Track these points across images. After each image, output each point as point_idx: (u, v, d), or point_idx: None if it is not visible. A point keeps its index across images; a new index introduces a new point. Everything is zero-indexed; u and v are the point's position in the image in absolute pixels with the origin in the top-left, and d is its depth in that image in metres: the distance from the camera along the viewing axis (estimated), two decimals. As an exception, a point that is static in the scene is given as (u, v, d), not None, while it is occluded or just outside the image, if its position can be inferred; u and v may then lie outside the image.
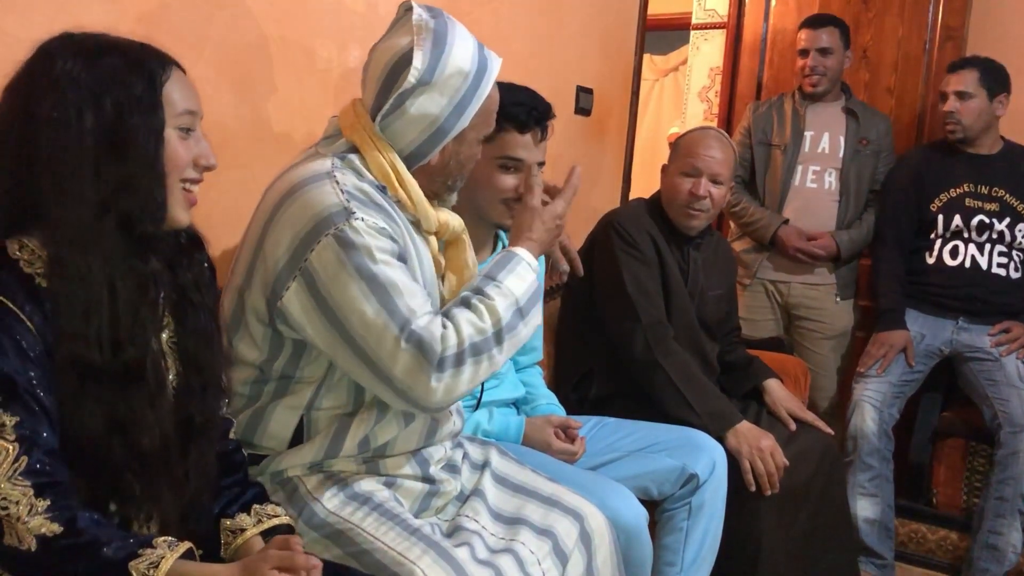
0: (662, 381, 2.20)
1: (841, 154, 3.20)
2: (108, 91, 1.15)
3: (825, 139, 3.23)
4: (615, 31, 3.13)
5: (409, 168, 1.51)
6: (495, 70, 1.53)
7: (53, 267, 1.14)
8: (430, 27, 1.48)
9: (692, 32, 5.00)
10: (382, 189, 1.49)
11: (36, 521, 1.07)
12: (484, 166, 1.83)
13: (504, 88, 1.84)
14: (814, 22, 3.28)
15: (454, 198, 1.64)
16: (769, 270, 3.28)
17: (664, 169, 2.42)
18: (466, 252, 1.63)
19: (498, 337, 1.43)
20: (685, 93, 5.19)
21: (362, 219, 1.40)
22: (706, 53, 4.97)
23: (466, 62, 1.48)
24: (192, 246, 1.31)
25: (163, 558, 1.10)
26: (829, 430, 2.40)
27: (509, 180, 1.87)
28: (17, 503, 1.06)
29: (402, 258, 1.44)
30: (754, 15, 3.91)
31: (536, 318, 1.51)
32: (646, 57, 4.33)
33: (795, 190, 3.23)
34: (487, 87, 1.51)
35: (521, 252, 1.54)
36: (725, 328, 2.57)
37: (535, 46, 2.78)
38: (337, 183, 1.43)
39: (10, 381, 1.09)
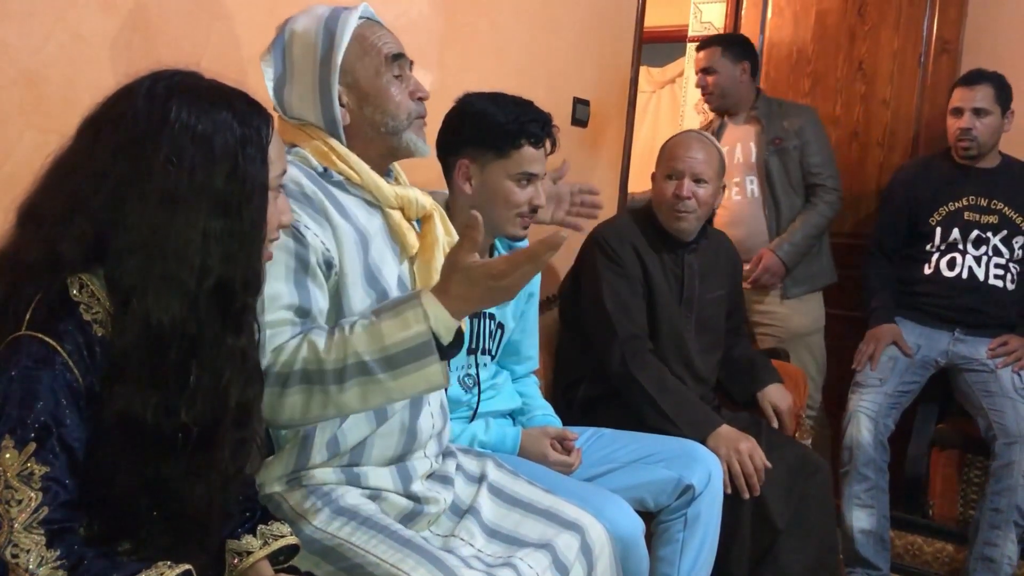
0: (639, 393, 2.22)
1: (754, 159, 3.27)
2: (222, 146, 1.11)
3: (738, 149, 3.30)
4: (612, 42, 3.14)
5: (342, 139, 1.52)
6: (352, 15, 1.51)
7: (125, 323, 1.09)
8: (278, 28, 1.55)
9: (688, 44, 5.01)
10: (327, 173, 1.50)
11: (44, 572, 1.04)
12: (500, 182, 1.87)
13: (508, 101, 1.89)
14: (702, 44, 3.41)
15: (417, 142, 1.56)
16: None
17: (652, 177, 2.45)
18: (436, 229, 1.60)
19: (339, 375, 1.33)
20: (682, 105, 5.20)
21: None
22: (703, 65, 4.98)
23: (310, 26, 1.51)
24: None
25: (162, 574, 1.08)
26: (802, 443, 2.41)
27: (525, 194, 1.90)
28: (28, 552, 1.04)
29: (301, 260, 1.41)
30: (750, 27, 3.92)
31: (419, 379, 1.33)
32: (643, 69, 4.33)
33: (721, 205, 3.24)
34: (345, 31, 1.50)
35: (426, 300, 1.34)
36: (730, 326, 2.58)
37: (532, 57, 2.79)
38: None
39: (47, 430, 1.06)
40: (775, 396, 2.46)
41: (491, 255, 2.04)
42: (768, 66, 3.88)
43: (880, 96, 3.61)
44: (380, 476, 1.53)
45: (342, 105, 1.51)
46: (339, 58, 1.49)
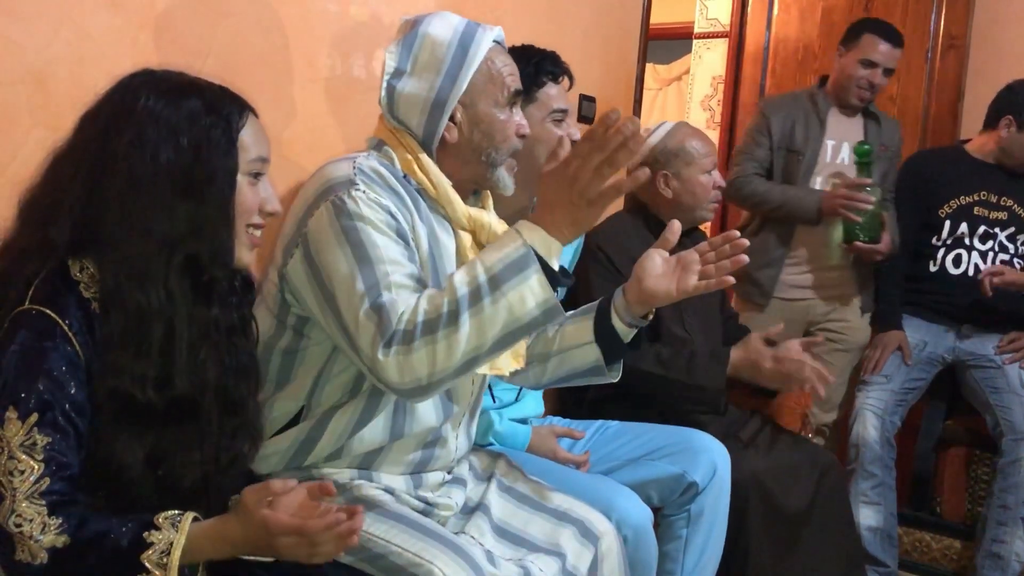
0: (647, 379, 2.18)
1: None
2: (187, 132, 1.17)
3: (844, 148, 3.07)
4: (617, 39, 3.14)
5: (432, 152, 1.52)
6: (487, 36, 1.53)
7: (110, 298, 1.15)
8: (409, 22, 1.54)
9: (694, 41, 5.01)
10: (407, 179, 1.51)
11: (48, 538, 1.08)
12: (538, 128, 1.88)
13: (518, 51, 1.89)
14: (896, 39, 3.03)
15: (506, 180, 1.58)
16: (788, 288, 3.06)
17: (668, 177, 2.39)
18: None
19: (454, 316, 1.30)
20: (688, 102, 5.20)
21: (363, 191, 1.41)
22: (708, 62, 4.98)
23: (444, 34, 1.51)
24: (243, 287, 1.32)
25: (172, 544, 1.11)
26: (810, 440, 2.38)
27: (560, 131, 1.92)
28: (31, 521, 1.08)
29: (403, 237, 1.42)
30: (756, 24, 3.92)
31: (525, 291, 1.30)
32: (649, 66, 4.33)
33: None
34: (478, 52, 1.51)
35: (518, 224, 1.37)
36: (726, 314, 2.59)
37: (538, 55, 2.79)
38: (355, 163, 1.46)
39: (50, 402, 1.10)
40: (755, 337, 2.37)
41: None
42: (774, 62, 3.87)
43: (887, 92, 3.59)
44: (392, 480, 1.54)
45: (454, 122, 1.52)
46: (467, 78, 1.50)
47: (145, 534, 1.11)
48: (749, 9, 3.94)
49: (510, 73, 1.56)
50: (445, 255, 1.52)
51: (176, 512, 1.14)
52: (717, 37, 4.86)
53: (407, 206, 1.47)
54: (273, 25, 2.01)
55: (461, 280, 1.32)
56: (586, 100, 3.02)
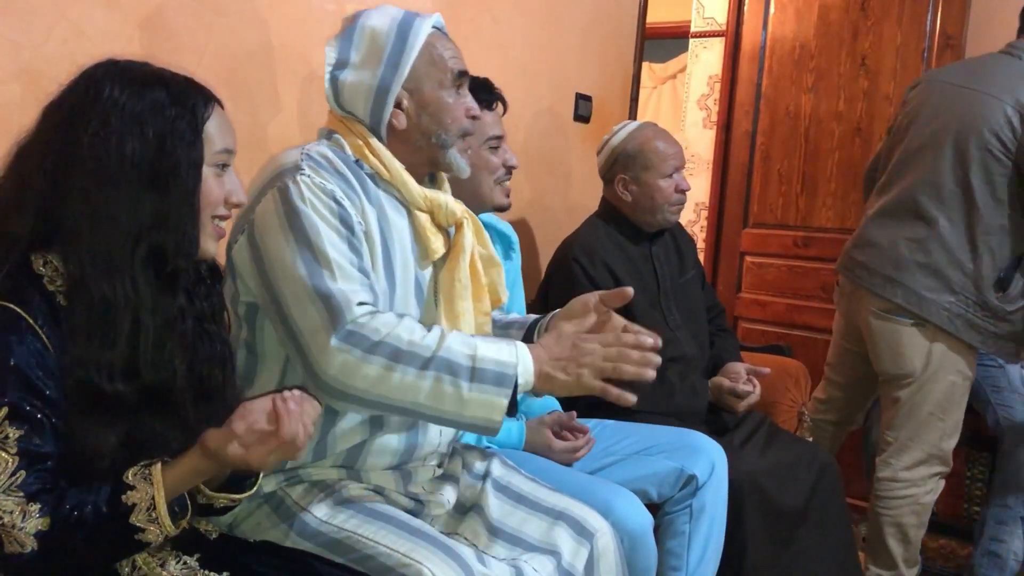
0: (627, 410, 2.18)
1: None
2: (152, 123, 1.16)
3: None
4: (614, 38, 3.14)
5: (382, 138, 1.55)
6: (426, 23, 1.55)
7: (75, 290, 1.14)
8: (349, 17, 1.57)
9: (691, 40, 5.01)
10: (359, 164, 1.53)
11: (31, 523, 1.09)
12: (475, 155, 1.90)
13: None
14: None
15: (460, 161, 1.61)
16: None
17: (627, 181, 2.36)
18: (465, 238, 1.58)
19: (426, 363, 1.33)
20: (684, 101, 5.19)
21: (308, 176, 1.43)
22: (705, 61, 4.97)
23: (383, 25, 1.53)
24: (211, 275, 1.32)
25: (152, 497, 1.12)
26: (805, 440, 2.38)
27: (498, 158, 1.98)
28: (11, 512, 1.08)
29: (347, 224, 1.43)
30: (753, 23, 3.92)
31: (488, 403, 1.33)
32: (645, 65, 4.33)
33: None
34: (417, 38, 1.53)
35: (519, 344, 1.40)
36: (710, 302, 2.59)
37: (534, 53, 2.79)
38: (304, 150, 1.49)
39: (20, 394, 1.10)
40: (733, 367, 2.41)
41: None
42: (771, 61, 3.87)
43: (883, 91, 3.60)
44: (381, 476, 1.53)
45: (400, 109, 1.54)
46: (408, 63, 1.52)
47: (123, 497, 1.12)
48: (746, 8, 3.94)
49: (452, 56, 1.57)
50: (397, 236, 1.53)
51: (142, 465, 1.14)
52: (714, 36, 4.85)
53: (355, 190, 1.48)
54: (269, 24, 2.00)
55: (453, 345, 1.35)
56: (582, 99, 3.01)
